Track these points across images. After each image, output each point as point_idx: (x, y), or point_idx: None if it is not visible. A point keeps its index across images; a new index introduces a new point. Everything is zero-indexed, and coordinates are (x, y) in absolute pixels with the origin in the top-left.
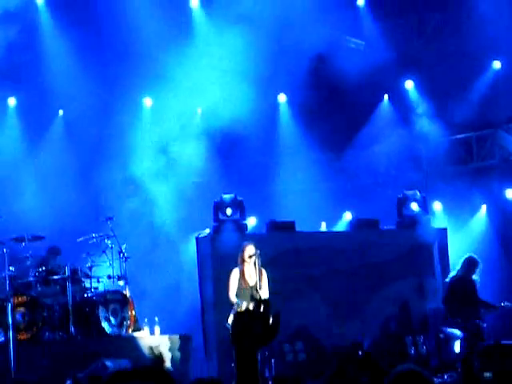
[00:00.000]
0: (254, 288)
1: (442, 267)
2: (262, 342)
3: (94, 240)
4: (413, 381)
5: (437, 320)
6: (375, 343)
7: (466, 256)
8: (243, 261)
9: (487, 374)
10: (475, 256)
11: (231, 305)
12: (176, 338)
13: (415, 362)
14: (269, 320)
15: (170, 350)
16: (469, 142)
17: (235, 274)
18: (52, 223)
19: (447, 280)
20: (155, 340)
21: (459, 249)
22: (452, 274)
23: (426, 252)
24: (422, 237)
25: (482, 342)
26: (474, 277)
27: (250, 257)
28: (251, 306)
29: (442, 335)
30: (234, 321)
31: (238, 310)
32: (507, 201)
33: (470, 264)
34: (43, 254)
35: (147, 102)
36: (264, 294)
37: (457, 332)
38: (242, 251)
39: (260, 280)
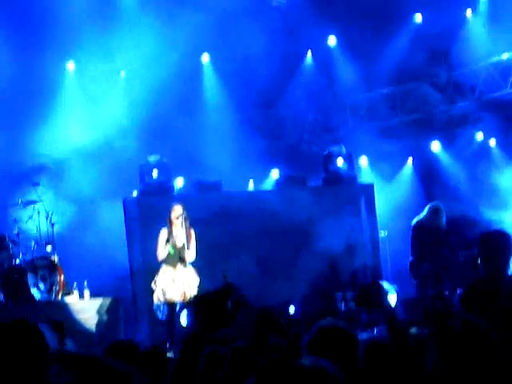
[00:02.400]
0: (182, 249)
1: (369, 222)
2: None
3: (21, 206)
4: (333, 336)
5: (366, 275)
6: (305, 300)
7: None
8: (171, 222)
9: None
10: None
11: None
12: (105, 301)
13: (345, 318)
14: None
15: (100, 313)
16: (393, 97)
17: (163, 234)
18: None
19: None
20: (84, 304)
21: (386, 204)
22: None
23: (352, 208)
24: (348, 192)
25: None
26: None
27: (178, 218)
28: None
29: None
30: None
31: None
32: (432, 153)
33: (432, 212)
34: None
35: (70, 66)
36: (191, 254)
37: (389, 286)
38: (170, 212)
39: (188, 241)
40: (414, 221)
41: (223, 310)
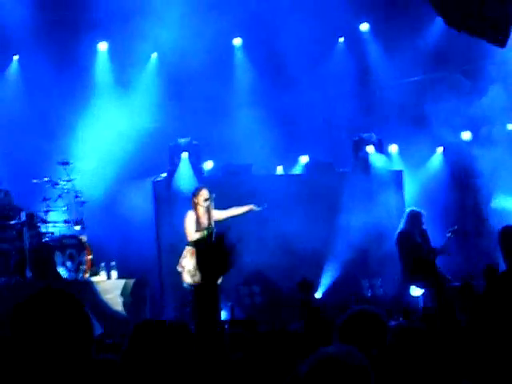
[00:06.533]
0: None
1: (397, 210)
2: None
3: (50, 185)
4: (364, 321)
5: (393, 262)
6: (331, 287)
7: (408, 210)
8: (197, 204)
9: None
10: (416, 208)
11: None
12: (130, 282)
13: (372, 305)
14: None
15: (125, 294)
16: (424, 84)
17: (190, 216)
18: (6, 167)
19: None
20: (111, 284)
21: (415, 191)
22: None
23: (381, 195)
24: (377, 179)
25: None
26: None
27: (206, 200)
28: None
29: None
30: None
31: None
32: (462, 142)
33: (412, 217)
34: None
35: (102, 46)
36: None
37: None
38: (197, 195)
39: (214, 223)
40: (397, 232)
41: (221, 255)
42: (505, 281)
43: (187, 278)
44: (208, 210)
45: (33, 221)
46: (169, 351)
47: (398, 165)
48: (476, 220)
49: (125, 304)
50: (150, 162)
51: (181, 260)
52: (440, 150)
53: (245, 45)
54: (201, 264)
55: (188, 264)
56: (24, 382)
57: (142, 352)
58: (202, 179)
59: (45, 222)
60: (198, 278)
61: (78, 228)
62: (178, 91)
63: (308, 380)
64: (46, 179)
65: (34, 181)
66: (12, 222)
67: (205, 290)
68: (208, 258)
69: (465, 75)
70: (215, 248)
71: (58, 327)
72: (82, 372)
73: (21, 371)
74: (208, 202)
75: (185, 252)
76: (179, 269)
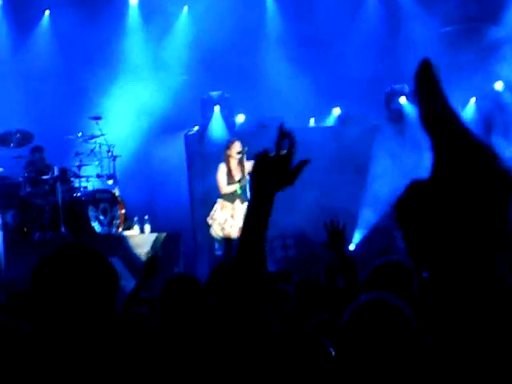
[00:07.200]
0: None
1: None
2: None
3: (82, 139)
4: (392, 271)
5: None
6: (365, 238)
7: None
8: (230, 157)
9: None
10: None
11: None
12: (161, 235)
13: (405, 256)
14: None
15: (157, 248)
16: (456, 35)
17: (222, 169)
18: (38, 123)
19: None
20: (145, 238)
21: None
22: None
23: (414, 146)
24: (409, 131)
25: None
26: None
27: (238, 153)
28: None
29: None
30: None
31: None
32: (496, 92)
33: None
34: (28, 155)
35: (133, 0)
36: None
37: None
38: (229, 148)
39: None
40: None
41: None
42: None
43: (217, 231)
44: (241, 163)
45: (66, 176)
46: (199, 306)
47: None
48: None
49: (160, 258)
50: (182, 116)
51: (212, 212)
52: (473, 100)
53: None
54: (259, 175)
55: (219, 216)
56: (45, 336)
57: (174, 306)
58: (234, 132)
59: (78, 176)
60: (227, 231)
61: (110, 182)
62: (210, 44)
63: (353, 323)
64: (79, 134)
65: (69, 137)
66: (45, 177)
67: (259, 203)
68: (269, 169)
69: (495, 25)
70: (281, 160)
71: (78, 280)
72: (107, 324)
73: (43, 325)
74: (240, 155)
75: (216, 205)
76: (209, 221)
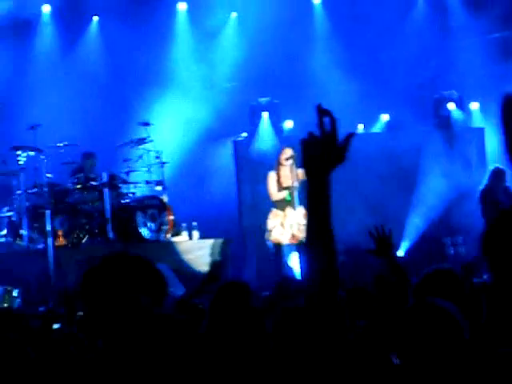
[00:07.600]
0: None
1: (479, 168)
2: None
3: (131, 145)
4: (442, 280)
5: (475, 220)
6: (414, 245)
7: (492, 167)
8: (280, 163)
9: None
10: (500, 166)
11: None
12: (215, 242)
13: (454, 263)
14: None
15: (209, 254)
16: (507, 40)
17: (272, 176)
18: (87, 129)
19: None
20: (193, 244)
21: (497, 149)
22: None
23: (463, 152)
24: (458, 137)
25: None
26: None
27: (287, 159)
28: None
29: None
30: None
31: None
32: None
33: (495, 174)
34: (79, 161)
35: (181, 6)
36: None
37: None
38: (279, 154)
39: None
40: (479, 189)
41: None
42: None
43: (267, 236)
44: (291, 170)
45: (114, 182)
46: (251, 313)
47: (479, 122)
48: None
49: (208, 264)
50: (231, 122)
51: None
52: None
53: (324, 2)
54: (309, 158)
55: (269, 223)
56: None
57: (226, 312)
58: (283, 138)
59: (126, 182)
60: (274, 237)
61: (159, 188)
62: (258, 50)
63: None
64: (128, 141)
65: (121, 143)
66: (94, 184)
67: (316, 186)
68: (318, 150)
69: None
70: (326, 138)
71: (122, 290)
72: (153, 331)
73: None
74: (290, 161)
75: (270, 213)
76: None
